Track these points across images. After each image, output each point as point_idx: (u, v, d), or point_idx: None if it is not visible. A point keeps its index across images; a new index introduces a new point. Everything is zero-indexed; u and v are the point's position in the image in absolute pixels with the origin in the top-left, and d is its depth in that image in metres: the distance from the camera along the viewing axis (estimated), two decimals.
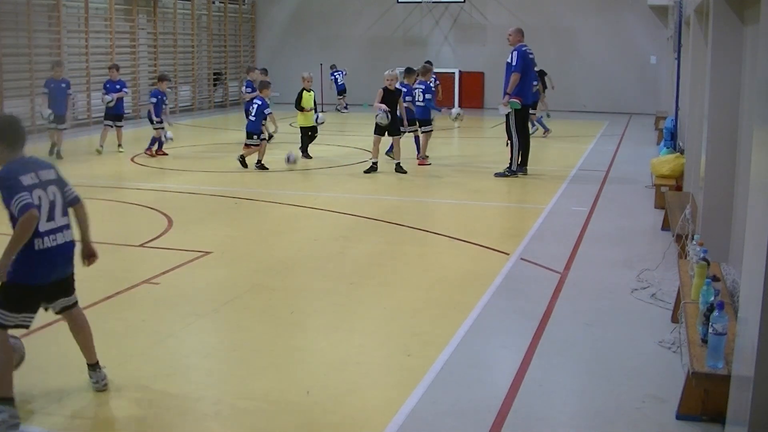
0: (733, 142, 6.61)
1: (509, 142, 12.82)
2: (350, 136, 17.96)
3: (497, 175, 12.68)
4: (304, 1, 28.02)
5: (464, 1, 26.18)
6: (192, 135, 19.43)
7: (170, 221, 9.35)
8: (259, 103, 13.30)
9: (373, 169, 12.95)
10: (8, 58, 17.88)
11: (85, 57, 20.24)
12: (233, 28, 27.53)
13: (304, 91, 14.42)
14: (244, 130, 13.54)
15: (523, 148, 12.78)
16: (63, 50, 19.21)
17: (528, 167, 12.88)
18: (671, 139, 13.33)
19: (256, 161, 13.21)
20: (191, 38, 25.03)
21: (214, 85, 26.66)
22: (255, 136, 13.24)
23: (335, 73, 25.30)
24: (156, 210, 9.95)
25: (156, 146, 14.93)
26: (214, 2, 26.37)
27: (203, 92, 26.07)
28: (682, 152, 11.49)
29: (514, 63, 12.41)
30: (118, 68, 15.77)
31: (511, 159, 12.74)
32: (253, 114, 13.29)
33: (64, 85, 14.43)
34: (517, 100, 12.45)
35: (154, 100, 14.89)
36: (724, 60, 6.77)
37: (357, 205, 10.44)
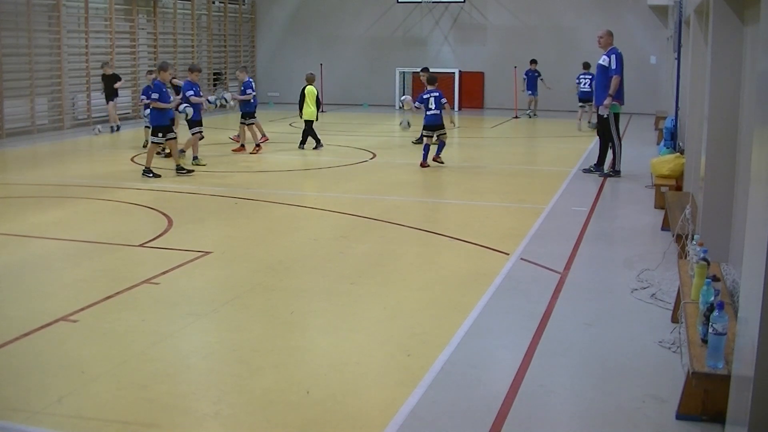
0: (733, 142, 6.61)
1: (609, 144, 12.91)
2: (350, 136, 17.93)
3: (601, 175, 12.83)
4: (304, 1, 28.02)
5: (464, 1, 26.16)
6: None
7: (170, 221, 9.35)
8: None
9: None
10: (8, 58, 17.88)
11: (85, 57, 20.24)
12: (233, 28, 27.52)
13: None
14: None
15: (616, 150, 12.96)
16: (63, 50, 19.21)
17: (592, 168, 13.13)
18: (671, 139, 13.33)
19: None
20: (191, 38, 25.02)
21: (214, 85, 26.65)
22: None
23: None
24: (156, 210, 9.95)
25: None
26: (214, 2, 26.36)
27: (203, 92, 26.05)
28: (682, 152, 11.49)
29: (613, 66, 12.57)
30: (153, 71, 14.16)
31: (614, 159, 12.91)
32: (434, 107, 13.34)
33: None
34: (618, 104, 12.57)
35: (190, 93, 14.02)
36: (724, 60, 6.76)
37: (357, 205, 10.43)
